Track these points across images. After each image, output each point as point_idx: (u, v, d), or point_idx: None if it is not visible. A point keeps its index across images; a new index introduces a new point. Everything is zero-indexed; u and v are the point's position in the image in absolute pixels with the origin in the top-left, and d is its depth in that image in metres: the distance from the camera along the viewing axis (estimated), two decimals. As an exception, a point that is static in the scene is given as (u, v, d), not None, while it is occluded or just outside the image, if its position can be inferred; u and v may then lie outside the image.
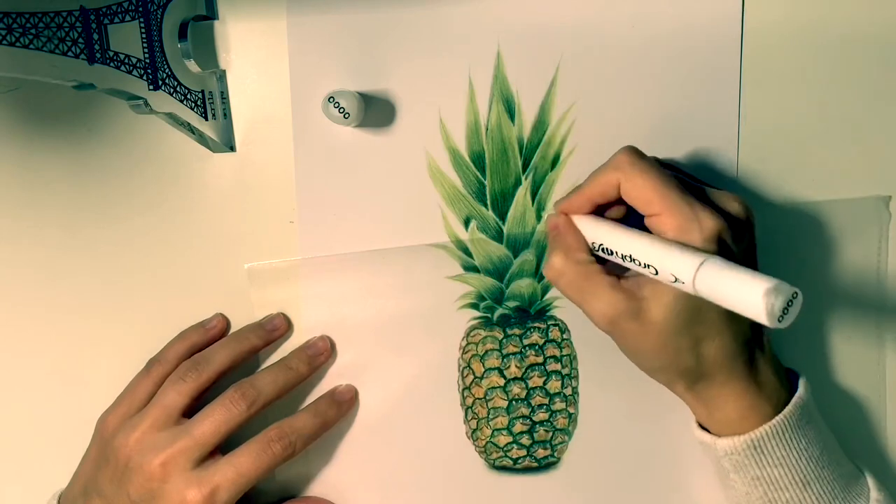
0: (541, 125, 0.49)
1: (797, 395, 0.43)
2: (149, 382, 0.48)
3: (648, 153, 0.42)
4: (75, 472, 0.48)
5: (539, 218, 0.49)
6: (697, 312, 0.40)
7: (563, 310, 0.50)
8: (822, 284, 0.50)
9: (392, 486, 0.52)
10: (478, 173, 0.49)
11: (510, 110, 0.49)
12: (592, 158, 0.48)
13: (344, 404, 0.50)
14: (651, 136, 0.48)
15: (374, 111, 0.49)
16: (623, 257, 0.41)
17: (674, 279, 0.38)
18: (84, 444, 0.48)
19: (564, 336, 0.51)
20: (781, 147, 0.49)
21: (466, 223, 0.50)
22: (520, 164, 0.49)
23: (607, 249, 0.42)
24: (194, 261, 0.50)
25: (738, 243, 0.41)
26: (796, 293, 0.34)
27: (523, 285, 0.50)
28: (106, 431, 0.47)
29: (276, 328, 0.50)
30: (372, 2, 0.48)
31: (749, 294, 0.34)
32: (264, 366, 0.50)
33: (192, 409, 0.47)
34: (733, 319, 0.41)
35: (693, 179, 0.45)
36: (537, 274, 0.50)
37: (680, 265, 0.38)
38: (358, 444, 0.51)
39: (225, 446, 0.46)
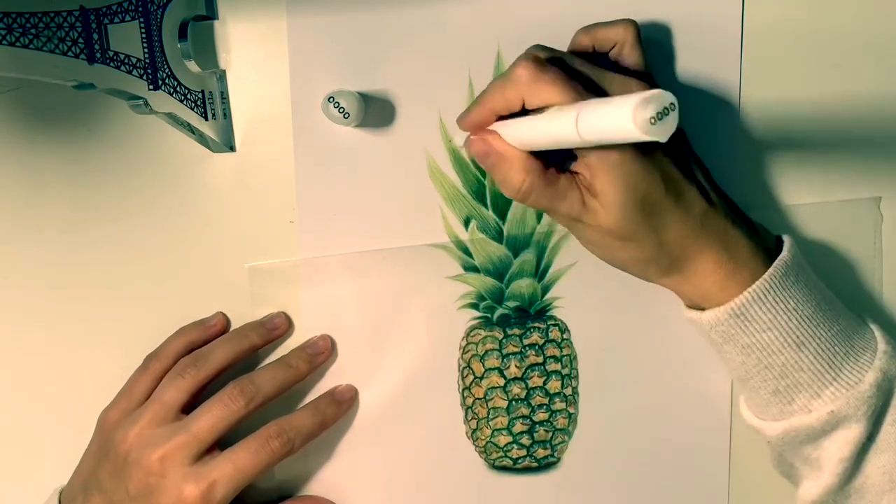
0: (541, 125, 0.49)
1: (780, 257, 0.43)
2: (147, 378, 0.48)
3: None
4: (76, 467, 0.48)
5: (539, 218, 0.49)
6: (642, 203, 0.40)
7: (564, 310, 0.50)
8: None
9: (392, 486, 0.52)
10: (478, 173, 0.49)
11: (510, 110, 0.49)
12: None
13: (343, 403, 0.50)
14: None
15: (374, 111, 0.49)
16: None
17: (564, 139, 0.37)
18: (85, 441, 0.48)
19: (564, 336, 0.51)
20: (781, 147, 0.49)
21: (466, 223, 0.50)
22: (520, 164, 0.49)
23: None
24: (194, 261, 0.50)
25: None
26: (673, 103, 0.32)
27: (523, 285, 0.50)
28: (106, 426, 0.47)
29: (276, 327, 0.50)
30: (372, 2, 0.48)
31: (621, 110, 0.32)
32: (264, 363, 0.50)
33: (191, 405, 0.47)
34: (679, 199, 0.41)
35: (600, 63, 0.43)
36: (537, 274, 0.50)
37: (564, 120, 0.37)
38: (358, 443, 0.51)
39: (224, 442, 0.46)
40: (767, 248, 0.44)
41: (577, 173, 0.42)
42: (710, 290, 0.43)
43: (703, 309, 0.44)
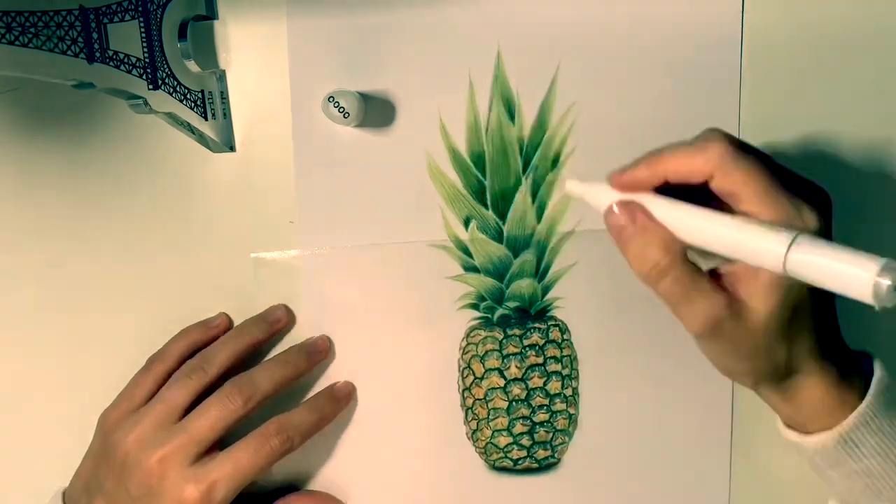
0: (541, 125, 0.49)
1: (876, 377, 0.40)
2: (150, 379, 0.48)
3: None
4: (78, 468, 0.48)
5: (539, 218, 0.49)
6: (795, 308, 0.38)
7: (564, 310, 0.50)
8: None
9: (392, 487, 0.52)
10: (478, 173, 0.49)
11: (510, 110, 0.49)
12: (592, 158, 0.49)
13: (342, 400, 0.50)
14: (651, 135, 0.48)
15: (374, 111, 0.49)
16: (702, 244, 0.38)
17: (761, 261, 0.35)
18: (86, 441, 0.48)
19: (565, 337, 0.51)
20: (781, 147, 0.49)
21: (466, 223, 0.50)
22: (520, 164, 0.49)
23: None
24: (194, 260, 0.50)
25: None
26: None
27: (523, 285, 0.50)
28: (107, 428, 0.47)
29: (278, 319, 0.50)
30: (372, 2, 0.48)
31: (857, 272, 0.31)
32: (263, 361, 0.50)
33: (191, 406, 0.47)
34: (821, 310, 0.39)
35: (785, 170, 0.40)
36: (538, 274, 0.50)
37: (768, 244, 0.34)
38: (358, 444, 0.51)
39: (223, 440, 0.46)
40: (858, 367, 0.41)
41: (720, 275, 0.39)
42: (818, 411, 0.40)
43: (805, 431, 0.41)
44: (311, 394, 0.51)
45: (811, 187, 0.39)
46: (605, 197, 0.39)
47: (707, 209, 0.37)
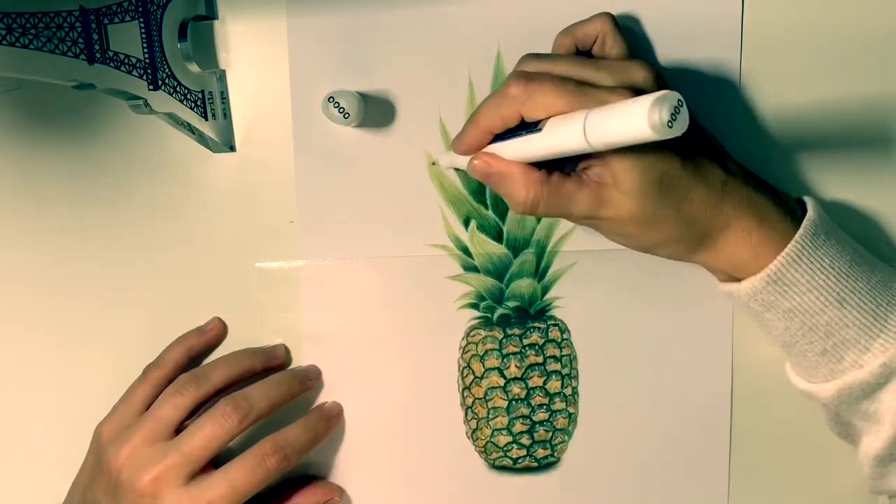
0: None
1: (806, 217, 0.42)
2: (147, 388, 0.48)
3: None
4: (74, 480, 0.48)
5: (539, 218, 0.49)
6: (660, 183, 0.40)
7: (564, 310, 0.50)
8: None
9: (392, 486, 0.52)
10: (478, 173, 0.49)
11: (510, 110, 0.49)
12: (592, 158, 0.49)
13: (333, 419, 0.50)
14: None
15: (374, 111, 0.49)
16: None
17: (573, 148, 0.37)
18: (84, 442, 0.48)
19: (564, 336, 0.51)
20: (781, 147, 0.49)
21: (466, 223, 0.50)
22: (520, 164, 0.49)
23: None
24: (194, 260, 0.50)
25: None
26: (680, 100, 0.33)
27: (523, 285, 0.50)
28: (101, 442, 0.47)
29: (276, 356, 0.50)
30: (372, 2, 0.48)
31: (634, 116, 0.33)
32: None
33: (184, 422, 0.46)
34: (696, 172, 0.41)
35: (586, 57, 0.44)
36: (537, 274, 0.50)
37: (569, 131, 0.37)
38: (358, 443, 0.51)
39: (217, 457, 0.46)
40: (792, 211, 0.43)
41: (583, 171, 0.42)
42: (744, 258, 0.42)
43: (738, 280, 0.43)
44: (316, 396, 0.51)
45: (632, 67, 0.42)
46: (464, 160, 0.44)
47: (523, 133, 0.41)
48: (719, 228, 0.42)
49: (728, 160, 0.43)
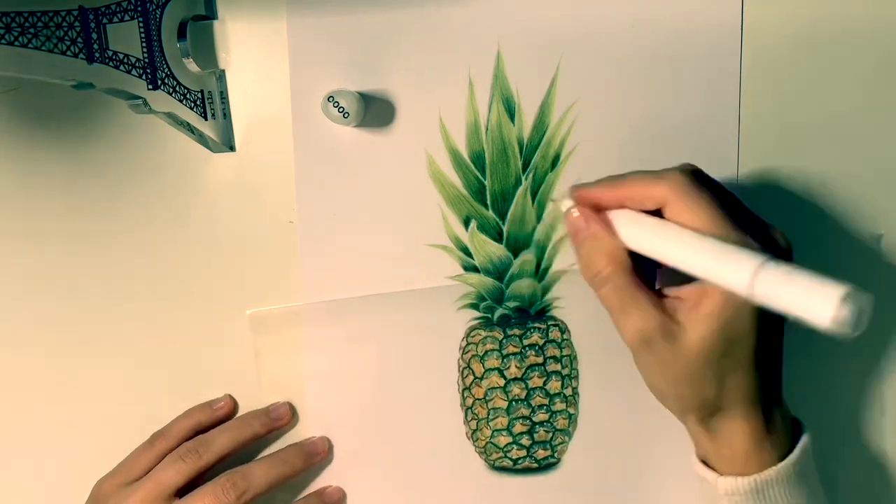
0: (541, 125, 0.49)
1: (802, 442, 0.42)
2: (150, 455, 0.48)
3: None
4: None
5: (539, 218, 0.49)
6: (731, 344, 0.39)
7: (564, 310, 0.50)
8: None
9: (392, 486, 0.52)
10: (478, 173, 0.49)
11: (510, 110, 0.49)
12: (592, 158, 0.49)
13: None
14: (651, 135, 0.48)
15: (374, 111, 0.49)
16: (663, 258, 0.39)
17: (726, 283, 0.36)
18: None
19: (564, 336, 0.51)
20: (781, 147, 0.49)
21: (466, 223, 0.50)
22: (520, 164, 0.49)
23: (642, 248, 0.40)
24: (193, 261, 0.50)
25: None
26: (868, 300, 0.31)
27: (523, 285, 0.50)
28: (99, 497, 0.47)
29: (280, 417, 0.50)
30: (372, 2, 0.48)
31: (820, 298, 0.31)
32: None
33: (184, 489, 0.47)
34: (763, 357, 0.40)
35: (742, 207, 0.42)
36: (537, 274, 0.50)
37: (736, 267, 0.35)
38: (357, 444, 0.51)
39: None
40: (789, 428, 0.42)
41: (665, 296, 0.40)
42: (737, 454, 0.41)
43: (718, 471, 0.42)
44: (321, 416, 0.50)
45: (764, 227, 0.40)
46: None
47: (675, 226, 0.38)
48: (734, 416, 0.41)
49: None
